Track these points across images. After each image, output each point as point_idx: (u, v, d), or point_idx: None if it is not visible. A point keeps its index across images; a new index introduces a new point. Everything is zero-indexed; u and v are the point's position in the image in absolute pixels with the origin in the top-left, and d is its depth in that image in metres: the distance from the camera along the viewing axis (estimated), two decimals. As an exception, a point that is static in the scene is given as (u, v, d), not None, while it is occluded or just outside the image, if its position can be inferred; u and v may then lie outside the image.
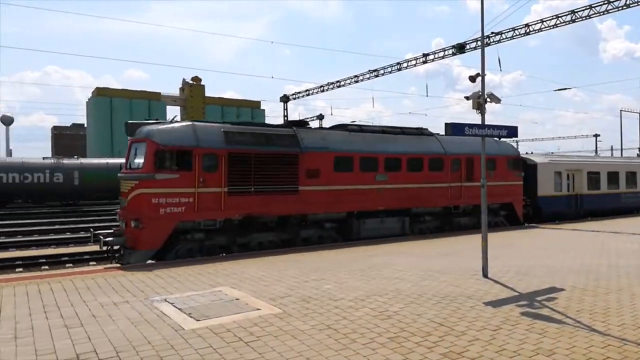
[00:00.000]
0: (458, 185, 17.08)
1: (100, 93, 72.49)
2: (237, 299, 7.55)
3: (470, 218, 17.54)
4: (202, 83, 79.76)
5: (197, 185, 11.99)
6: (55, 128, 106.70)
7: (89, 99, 76.96)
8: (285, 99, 45.52)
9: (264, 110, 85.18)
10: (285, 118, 44.88)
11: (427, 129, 18.20)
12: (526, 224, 19.33)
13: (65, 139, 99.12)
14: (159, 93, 76.35)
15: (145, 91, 74.56)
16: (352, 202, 14.73)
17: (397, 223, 15.73)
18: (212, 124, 13.47)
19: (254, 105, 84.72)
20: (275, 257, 11.79)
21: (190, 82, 78.25)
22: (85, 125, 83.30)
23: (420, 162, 16.29)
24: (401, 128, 17.19)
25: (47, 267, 14.40)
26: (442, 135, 18.61)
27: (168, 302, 7.38)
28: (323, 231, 14.52)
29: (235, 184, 12.60)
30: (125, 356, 5.18)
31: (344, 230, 14.93)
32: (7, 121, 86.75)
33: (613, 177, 23.58)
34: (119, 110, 68.95)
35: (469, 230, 16.78)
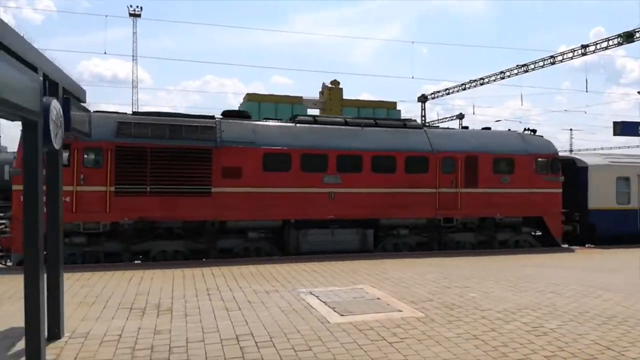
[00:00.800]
0: (452, 192, 13.49)
1: (250, 98, 79.02)
2: (378, 299, 7.61)
3: (472, 234, 13.88)
4: (340, 86, 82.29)
5: (75, 183, 10.60)
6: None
7: (240, 104, 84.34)
8: (423, 99, 44.67)
9: (399, 111, 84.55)
10: (423, 119, 44.03)
11: (414, 121, 15.02)
12: (569, 246, 14.91)
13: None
14: (301, 97, 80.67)
15: (288, 96, 79.38)
16: (289, 208, 12.17)
17: (355, 236, 12.70)
18: (109, 114, 11.65)
19: (390, 107, 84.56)
20: (415, 259, 11.66)
21: (330, 85, 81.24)
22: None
23: (393, 161, 12.93)
24: (377, 119, 14.17)
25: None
26: (441, 129, 16.01)
27: (313, 294, 7.74)
28: (249, 242, 12.24)
29: (124, 182, 10.96)
30: (278, 342, 5.56)
31: (280, 241, 12.64)
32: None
33: None
34: (266, 113, 74.42)
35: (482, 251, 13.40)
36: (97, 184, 10.82)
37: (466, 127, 17.43)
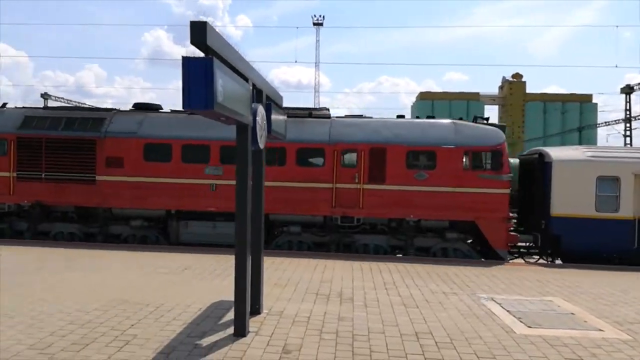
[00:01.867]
0: (353, 188, 11.77)
1: (423, 97, 78.12)
2: (572, 314, 6.85)
3: (384, 237, 12.15)
4: (523, 80, 75.77)
5: None
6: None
7: (413, 103, 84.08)
8: (627, 89, 38.35)
9: (595, 104, 74.18)
10: (627, 112, 37.87)
11: (326, 109, 13.14)
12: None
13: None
14: (478, 93, 76.59)
15: (464, 92, 76.13)
16: (170, 199, 12.16)
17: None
18: (19, 109, 13.66)
19: (584, 99, 74.79)
20: (616, 272, 10.17)
21: (511, 79, 75.45)
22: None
23: (283, 152, 11.81)
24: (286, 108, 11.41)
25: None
26: (354, 119, 13.23)
27: (495, 301, 7.34)
28: (134, 229, 12.59)
29: (24, 169, 12.53)
30: (459, 345, 5.43)
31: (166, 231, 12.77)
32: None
33: None
34: (439, 112, 72.78)
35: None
36: (2, 170, 12.66)
37: (402, 116, 13.72)
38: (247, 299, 5.56)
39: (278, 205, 11.56)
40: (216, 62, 4.05)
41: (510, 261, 12.23)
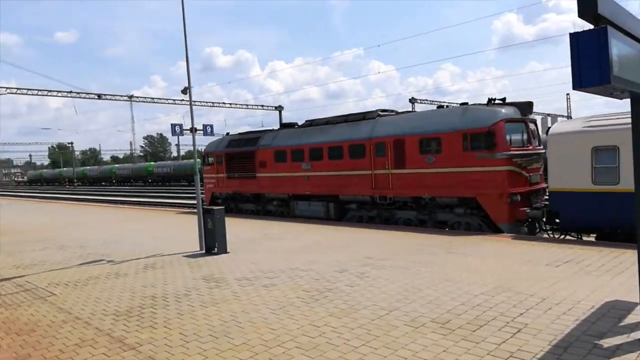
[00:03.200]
0: (384, 173, 14.62)
1: None
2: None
3: (414, 213, 14.16)
4: None
5: None
6: None
7: None
8: None
9: None
10: None
11: (380, 111, 15.95)
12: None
13: None
14: None
15: None
16: (288, 186, 18.02)
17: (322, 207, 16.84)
18: (228, 135, 22.06)
19: None
20: None
21: None
22: None
23: (340, 150, 15.98)
24: (349, 115, 16.95)
25: None
26: (393, 116, 15.49)
27: None
28: (275, 207, 18.86)
29: (229, 172, 20.47)
30: None
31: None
32: None
33: None
34: None
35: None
36: (220, 173, 20.83)
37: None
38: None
39: (341, 189, 15.86)
40: (610, 31, 3.59)
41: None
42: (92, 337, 5.77)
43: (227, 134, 22.12)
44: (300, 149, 17.06)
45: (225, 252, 10.85)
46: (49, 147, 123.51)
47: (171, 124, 12.47)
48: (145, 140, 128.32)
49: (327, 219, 16.07)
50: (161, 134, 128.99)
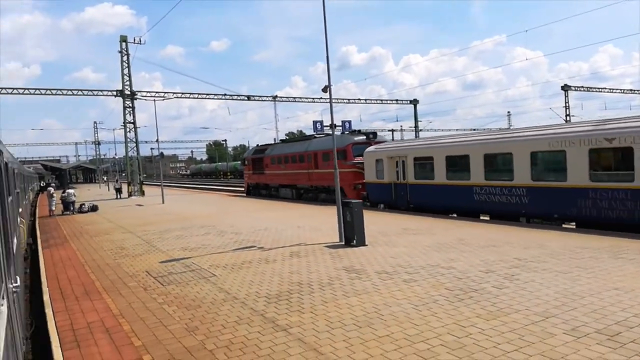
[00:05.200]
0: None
1: None
2: None
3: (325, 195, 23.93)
4: None
5: None
6: None
7: None
8: None
9: None
10: None
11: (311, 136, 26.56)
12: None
13: None
14: None
15: None
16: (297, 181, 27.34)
17: None
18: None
19: None
20: None
21: None
22: None
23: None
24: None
25: None
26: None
27: None
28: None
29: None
30: None
31: None
32: None
33: (459, 163, 15.40)
34: None
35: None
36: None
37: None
38: None
39: (296, 181, 26.61)
40: None
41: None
42: (248, 317, 6.31)
43: (257, 145, 32.94)
44: (279, 156, 27.98)
45: (364, 244, 11.01)
46: (206, 144, 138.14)
47: (313, 121, 13.02)
48: (287, 137, 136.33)
49: (293, 199, 26.69)
50: (301, 131, 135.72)
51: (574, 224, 12.58)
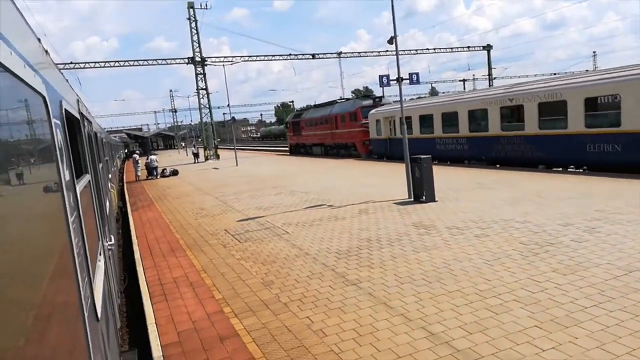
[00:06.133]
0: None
1: None
2: None
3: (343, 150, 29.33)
4: None
5: None
6: None
7: None
8: None
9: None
10: None
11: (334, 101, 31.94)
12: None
13: None
14: None
15: None
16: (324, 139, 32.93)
17: None
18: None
19: None
20: None
21: None
22: None
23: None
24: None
25: None
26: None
27: None
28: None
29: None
30: None
31: None
32: None
33: (427, 121, 20.94)
34: None
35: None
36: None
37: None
38: None
39: (324, 140, 32.29)
40: None
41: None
42: (320, 271, 6.56)
43: (296, 110, 39.69)
44: (310, 120, 33.00)
45: (434, 200, 10.86)
46: (274, 107, 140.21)
47: (379, 76, 12.75)
48: (352, 94, 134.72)
49: (322, 155, 31.90)
50: (367, 87, 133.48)
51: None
